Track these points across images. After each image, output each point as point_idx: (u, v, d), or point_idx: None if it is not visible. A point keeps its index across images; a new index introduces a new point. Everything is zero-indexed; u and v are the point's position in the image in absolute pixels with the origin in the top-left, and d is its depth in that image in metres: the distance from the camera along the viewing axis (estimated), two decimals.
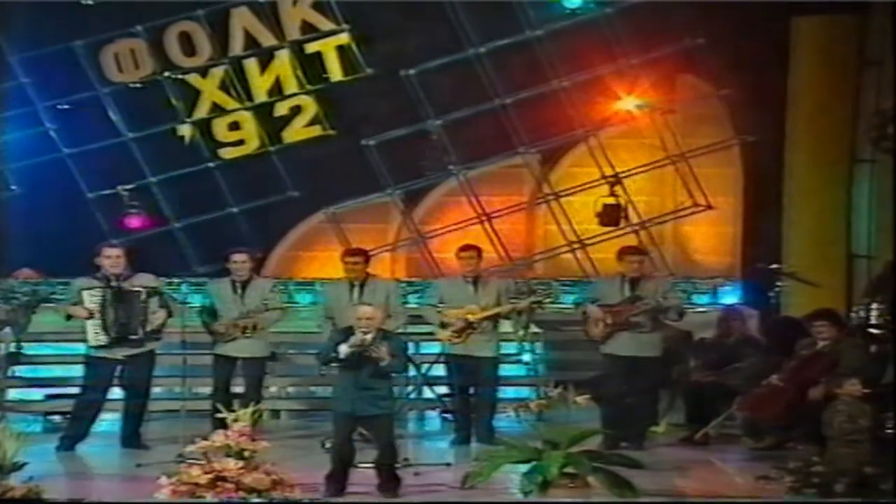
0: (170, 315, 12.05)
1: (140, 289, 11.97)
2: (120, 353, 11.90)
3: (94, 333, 11.85)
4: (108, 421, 12.41)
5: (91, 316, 11.82)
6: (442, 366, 12.97)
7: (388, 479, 10.22)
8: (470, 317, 12.28)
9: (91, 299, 11.85)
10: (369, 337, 10.07)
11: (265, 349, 12.41)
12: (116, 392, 12.23)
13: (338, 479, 10.13)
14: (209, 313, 12.26)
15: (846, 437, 10.20)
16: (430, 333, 12.78)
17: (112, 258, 11.96)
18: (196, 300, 13.19)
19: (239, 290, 12.26)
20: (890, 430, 10.41)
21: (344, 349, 10.08)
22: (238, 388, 12.27)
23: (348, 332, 10.19)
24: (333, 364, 10.31)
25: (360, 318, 10.18)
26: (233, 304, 12.22)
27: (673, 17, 14.72)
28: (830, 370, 11.49)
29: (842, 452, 10.10)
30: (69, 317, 12.09)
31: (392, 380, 10.42)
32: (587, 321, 12.39)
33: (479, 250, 12.78)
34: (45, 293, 13.48)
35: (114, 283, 11.88)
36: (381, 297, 12.18)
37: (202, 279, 14.10)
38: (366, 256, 12.63)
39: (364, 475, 10.36)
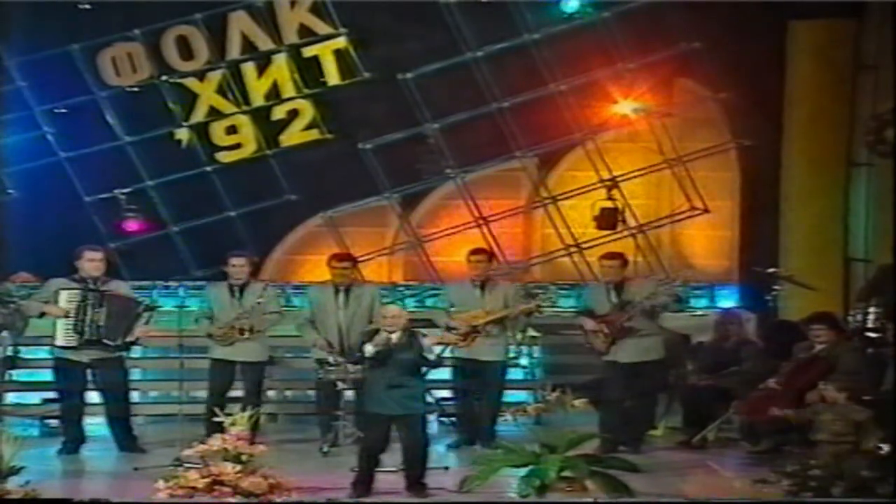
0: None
1: (133, 297, 12.05)
2: (86, 356, 11.94)
3: (66, 333, 11.90)
4: (105, 425, 12.41)
5: (66, 315, 11.85)
6: (441, 369, 13.00)
7: (415, 483, 10.24)
8: (474, 321, 12.28)
9: (69, 300, 11.89)
10: (395, 336, 10.14)
11: (264, 353, 12.43)
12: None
13: (364, 481, 10.17)
14: (206, 317, 12.26)
15: (838, 440, 10.22)
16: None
17: (95, 261, 12.04)
18: (194, 304, 13.20)
19: (236, 294, 12.27)
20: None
21: (369, 348, 10.17)
22: (236, 393, 12.27)
23: (374, 333, 10.33)
24: (363, 364, 10.43)
25: (384, 318, 10.32)
26: (230, 307, 12.23)
27: (670, 20, 14.73)
28: (828, 374, 11.50)
29: (833, 452, 10.10)
30: (42, 315, 12.10)
31: (424, 380, 10.49)
32: (587, 335, 12.38)
33: (489, 254, 12.83)
34: None
35: (92, 286, 11.92)
36: (366, 302, 12.25)
37: (200, 283, 14.12)
38: (354, 261, 12.70)
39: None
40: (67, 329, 11.90)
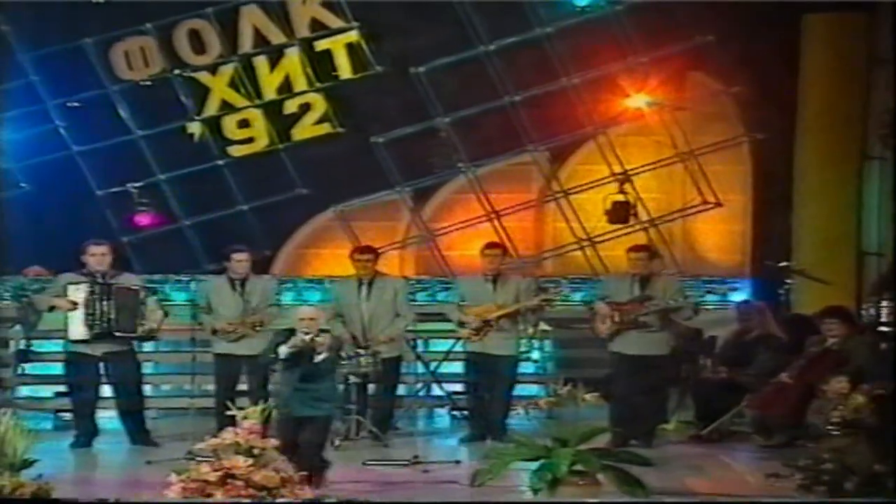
0: (165, 314, 12.09)
1: (137, 287, 12.05)
2: (99, 350, 11.95)
3: (77, 327, 11.90)
4: (118, 418, 12.43)
5: (76, 309, 11.87)
6: (452, 363, 12.99)
7: (306, 478, 9.57)
8: (487, 315, 12.27)
9: (77, 294, 11.90)
10: (309, 338, 9.94)
11: (265, 346, 12.40)
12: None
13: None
14: (206, 311, 12.22)
15: (843, 431, 10.20)
16: (442, 331, 12.81)
17: (98, 255, 12.03)
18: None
19: (238, 288, 12.25)
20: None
21: (284, 350, 9.98)
22: (242, 387, 12.27)
23: (289, 334, 10.03)
24: (275, 365, 10.19)
25: (301, 319, 10.02)
26: (233, 301, 12.20)
27: (682, 14, 14.71)
28: (840, 368, 11.47)
29: (837, 445, 10.08)
30: (52, 308, 12.12)
31: (334, 381, 10.25)
32: (594, 318, 12.36)
33: (503, 248, 12.81)
34: None
35: (100, 280, 11.94)
36: (389, 295, 12.25)
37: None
38: (375, 254, 12.68)
39: (375, 473, 10.37)
40: (79, 323, 11.92)
